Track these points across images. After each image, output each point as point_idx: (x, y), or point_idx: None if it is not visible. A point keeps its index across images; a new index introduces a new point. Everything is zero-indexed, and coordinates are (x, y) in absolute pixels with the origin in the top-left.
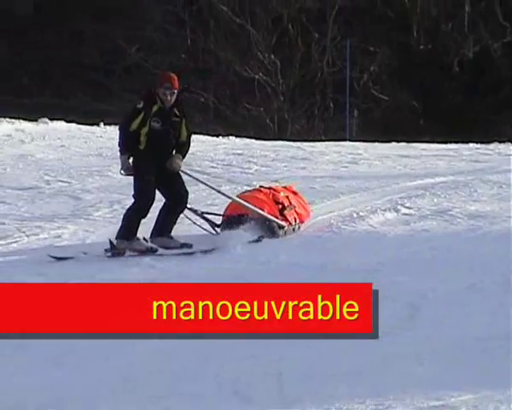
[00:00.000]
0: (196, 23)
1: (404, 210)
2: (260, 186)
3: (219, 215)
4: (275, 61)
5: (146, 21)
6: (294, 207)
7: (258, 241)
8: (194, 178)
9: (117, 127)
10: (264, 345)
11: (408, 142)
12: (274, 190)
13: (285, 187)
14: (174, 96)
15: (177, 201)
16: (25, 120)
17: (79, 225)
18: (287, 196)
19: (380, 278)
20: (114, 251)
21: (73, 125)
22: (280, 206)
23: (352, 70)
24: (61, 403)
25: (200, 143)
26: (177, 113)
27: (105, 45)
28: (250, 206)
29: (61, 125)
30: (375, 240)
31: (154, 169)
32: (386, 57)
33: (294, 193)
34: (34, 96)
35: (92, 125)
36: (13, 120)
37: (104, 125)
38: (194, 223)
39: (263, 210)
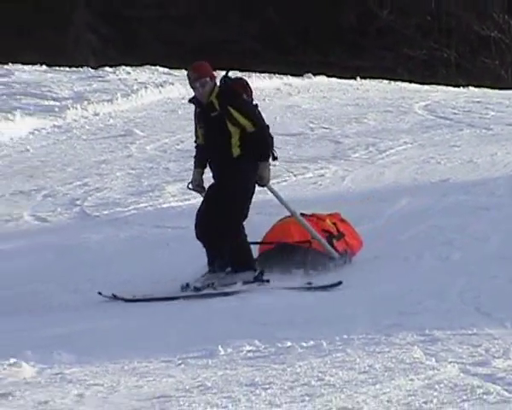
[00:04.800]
0: None
1: None
2: (301, 214)
3: (268, 243)
4: (508, 21)
5: None
6: (344, 235)
7: (334, 286)
8: (276, 195)
9: (371, 81)
10: (504, 267)
11: None
12: (318, 217)
13: (330, 214)
14: (205, 88)
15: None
16: (292, 75)
17: (339, 165)
18: (334, 223)
19: None
20: None
21: (333, 79)
22: (327, 234)
23: None
24: (318, 316)
25: (443, 93)
26: (218, 106)
27: (360, 9)
28: (313, 231)
29: (322, 79)
30: None
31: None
32: None
33: (342, 221)
34: (299, 54)
35: (349, 78)
36: (281, 76)
37: (360, 78)
38: None
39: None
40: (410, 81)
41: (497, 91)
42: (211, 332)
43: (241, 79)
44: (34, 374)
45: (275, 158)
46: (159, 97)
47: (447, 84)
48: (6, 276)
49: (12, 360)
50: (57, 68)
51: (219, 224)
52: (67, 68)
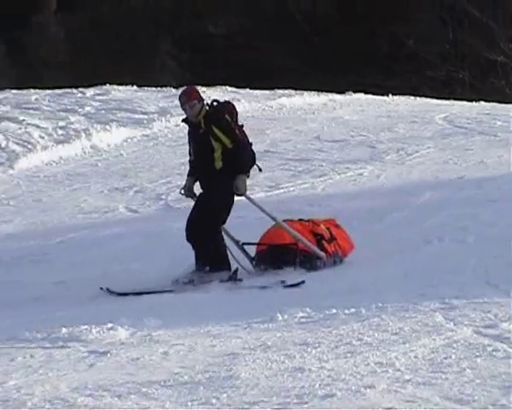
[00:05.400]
0: (455, 21)
1: None
2: (299, 219)
3: (263, 244)
4: None
5: (419, 21)
6: (336, 239)
7: (297, 285)
8: (255, 204)
9: (400, 98)
10: (509, 247)
11: None
12: (313, 222)
13: (326, 220)
14: (194, 110)
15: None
16: (336, 93)
17: (375, 165)
18: (328, 228)
19: None
20: None
21: (370, 96)
22: (318, 237)
23: None
24: (358, 288)
25: (458, 107)
26: (203, 125)
27: (392, 39)
28: (296, 234)
29: (361, 96)
30: None
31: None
32: None
33: (336, 226)
34: (342, 76)
35: (383, 95)
36: (328, 94)
37: (391, 95)
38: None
39: (303, 238)
40: (432, 97)
41: (503, 106)
42: (270, 302)
43: (228, 102)
44: (127, 336)
45: (260, 170)
46: None
47: (462, 100)
48: (104, 257)
49: (109, 325)
50: (145, 88)
51: (203, 228)
52: (154, 88)
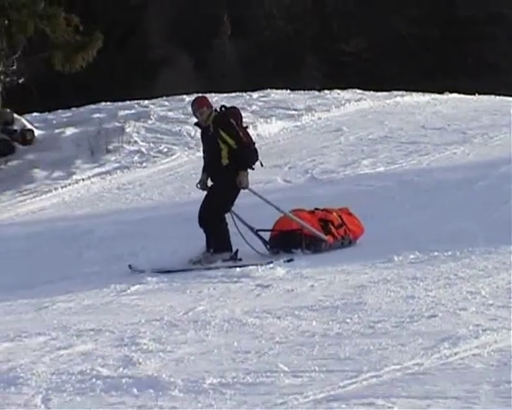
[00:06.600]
0: None
1: None
2: (315, 208)
3: (274, 230)
4: None
5: (497, 39)
6: (345, 224)
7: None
8: (258, 196)
9: (484, 96)
10: None
11: None
12: (327, 210)
13: (340, 209)
14: (203, 116)
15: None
16: (437, 93)
17: (465, 147)
18: (339, 216)
19: None
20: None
21: (462, 95)
22: (322, 223)
23: None
24: (454, 237)
25: None
26: (212, 129)
27: (477, 53)
28: (300, 221)
29: (455, 95)
30: None
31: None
32: None
33: (349, 214)
34: (442, 81)
35: (471, 95)
36: (430, 94)
37: (478, 95)
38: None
39: (307, 224)
40: (508, 96)
41: None
42: (389, 247)
43: (234, 107)
44: (284, 273)
45: (261, 165)
46: (357, 108)
47: None
48: (271, 218)
49: (271, 265)
50: (296, 91)
51: (211, 216)
52: (302, 91)
